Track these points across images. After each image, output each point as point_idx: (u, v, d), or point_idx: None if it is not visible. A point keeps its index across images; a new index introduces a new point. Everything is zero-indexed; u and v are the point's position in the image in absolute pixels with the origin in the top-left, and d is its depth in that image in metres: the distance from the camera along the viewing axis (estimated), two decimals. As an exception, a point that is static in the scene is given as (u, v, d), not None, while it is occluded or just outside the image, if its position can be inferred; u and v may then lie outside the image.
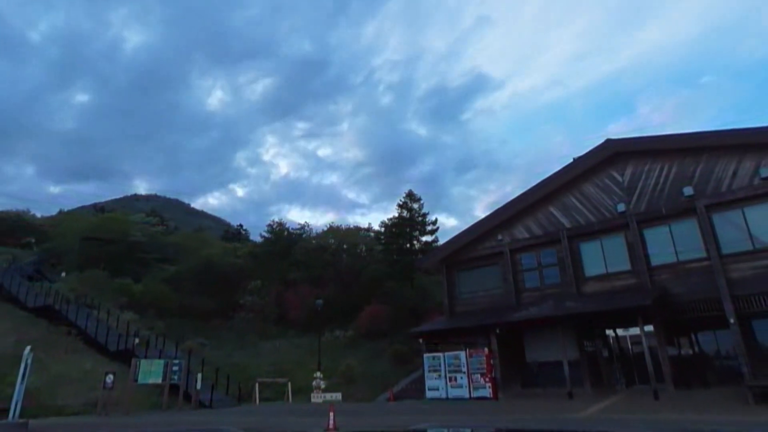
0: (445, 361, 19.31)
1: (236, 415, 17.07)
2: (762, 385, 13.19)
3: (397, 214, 43.12)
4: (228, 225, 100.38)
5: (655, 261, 17.54)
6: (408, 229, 42.21)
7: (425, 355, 20.19)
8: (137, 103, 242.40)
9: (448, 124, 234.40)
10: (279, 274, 43.13)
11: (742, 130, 16.71)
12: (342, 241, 48.30)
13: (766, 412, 11.49)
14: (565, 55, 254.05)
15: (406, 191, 44.74)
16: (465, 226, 24.91)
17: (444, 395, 18.81)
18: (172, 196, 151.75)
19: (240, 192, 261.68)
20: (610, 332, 18.58)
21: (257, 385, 23.84)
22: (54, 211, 79.88)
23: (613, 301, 17.10)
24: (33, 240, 50.07)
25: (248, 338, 35.98)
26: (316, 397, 22.26)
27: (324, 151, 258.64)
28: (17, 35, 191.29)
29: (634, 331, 16.91)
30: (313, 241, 48.99)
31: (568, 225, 20.01)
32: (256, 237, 63.24)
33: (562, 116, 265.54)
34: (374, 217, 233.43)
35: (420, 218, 42.94)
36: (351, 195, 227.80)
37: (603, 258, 18.91)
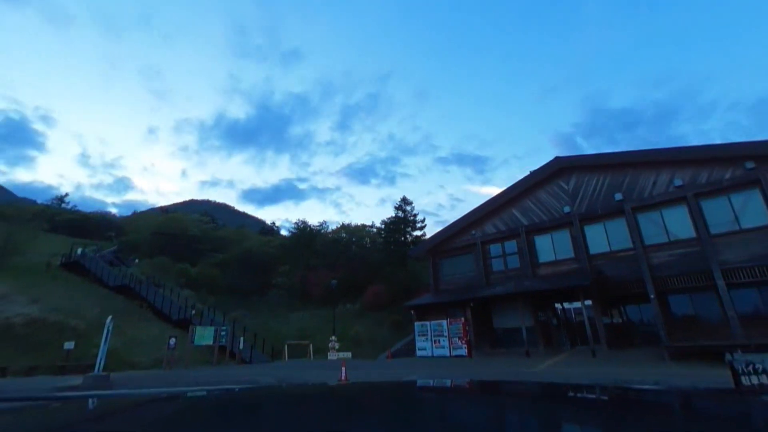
0: (431, 327, 19.32)
1: (270, 369, 17.05)
2: (675, 346, 13.25)
3: (393, 215, 43.16)
4: (263, 223, 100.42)
5: (593, 250, 17.57)
6: (402, 226, 42.19)
7: (416, 323, 20.22)
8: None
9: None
10: (303, 261, 42.96)
11: (659, 150, 16.74)
12: (351, 235, 48.23)
13: (678, 366, 11.54)
14: None
15: (401, 197, 44.82)
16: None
17: (430, 354, 18.83)
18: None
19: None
20: (558, 305, 18.61)
21: (286, 346, 23.86)
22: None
23: (560, 281, 17.12)
24: (113, 234, 49.89)
25: (279, 310, 35.91)
26: (332, 356, 22.22)
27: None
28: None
29: (577, 304, 16.98)
30: (330, 236, 48.85)
31: (526, 223, 20.03)
32: (285, 232, 63.22)
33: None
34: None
35: (412, 218, 42.90)
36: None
37: (553, 248, 18.94)
